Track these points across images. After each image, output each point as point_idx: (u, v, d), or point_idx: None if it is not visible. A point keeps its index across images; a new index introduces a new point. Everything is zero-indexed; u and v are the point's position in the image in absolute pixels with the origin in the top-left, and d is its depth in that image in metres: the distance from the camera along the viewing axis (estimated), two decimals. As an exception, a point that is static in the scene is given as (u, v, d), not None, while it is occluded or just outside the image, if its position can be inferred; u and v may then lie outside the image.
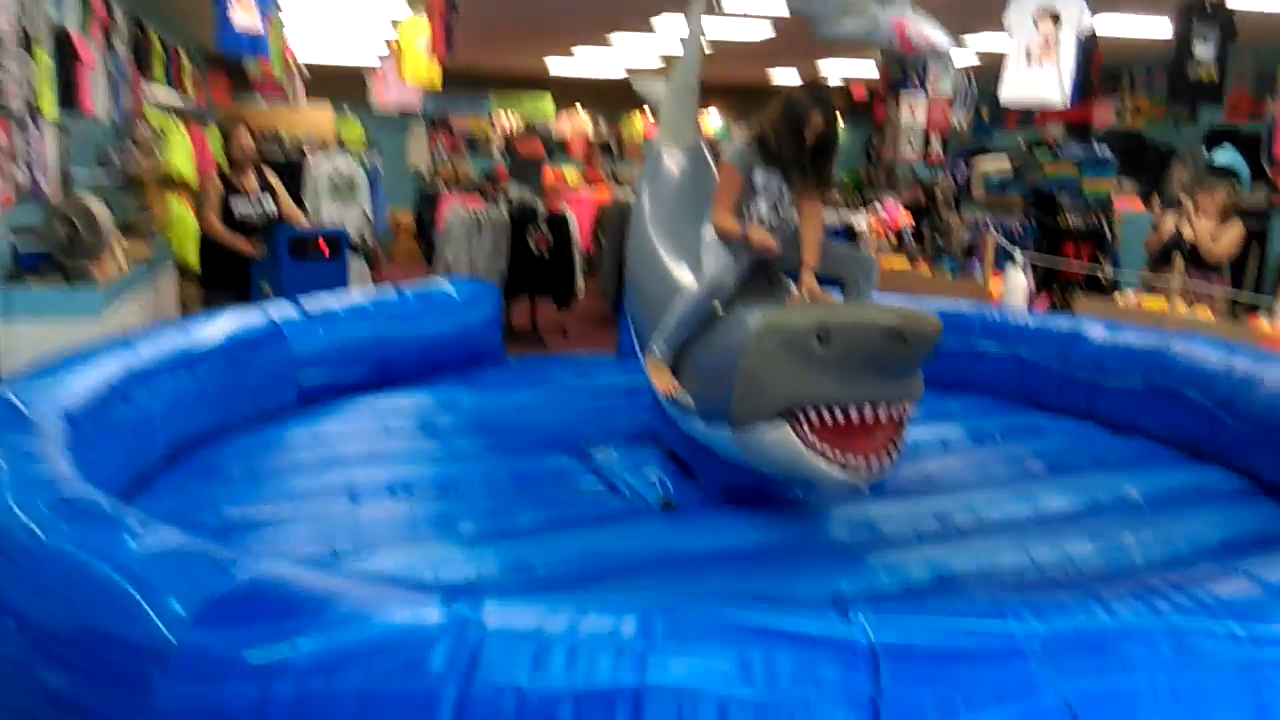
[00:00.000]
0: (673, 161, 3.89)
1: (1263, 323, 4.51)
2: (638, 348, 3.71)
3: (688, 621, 1.49)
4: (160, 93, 8.35)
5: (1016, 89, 6.33)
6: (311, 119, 13.49)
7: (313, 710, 1.41)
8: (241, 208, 5.32)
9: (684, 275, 3.33)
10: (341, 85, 13.09)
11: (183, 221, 7.23)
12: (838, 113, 3.05)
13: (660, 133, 4.06)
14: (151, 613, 1.54)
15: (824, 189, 3.18)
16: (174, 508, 2.77)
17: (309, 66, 10.91)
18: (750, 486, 3.07)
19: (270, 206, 5.45)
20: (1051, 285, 6.54)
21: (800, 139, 3.01)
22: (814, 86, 3.07)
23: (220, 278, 5.48)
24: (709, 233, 3.19)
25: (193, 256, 7.08)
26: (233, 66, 11.99)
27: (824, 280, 3.34)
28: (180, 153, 7.92)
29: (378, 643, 1.46)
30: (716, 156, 3.87)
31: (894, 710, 1.38)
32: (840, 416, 2.50)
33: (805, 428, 2.54)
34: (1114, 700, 1.42)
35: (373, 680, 1.42)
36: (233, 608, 1.54)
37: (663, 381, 3.18)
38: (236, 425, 3.69)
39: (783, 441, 2.60)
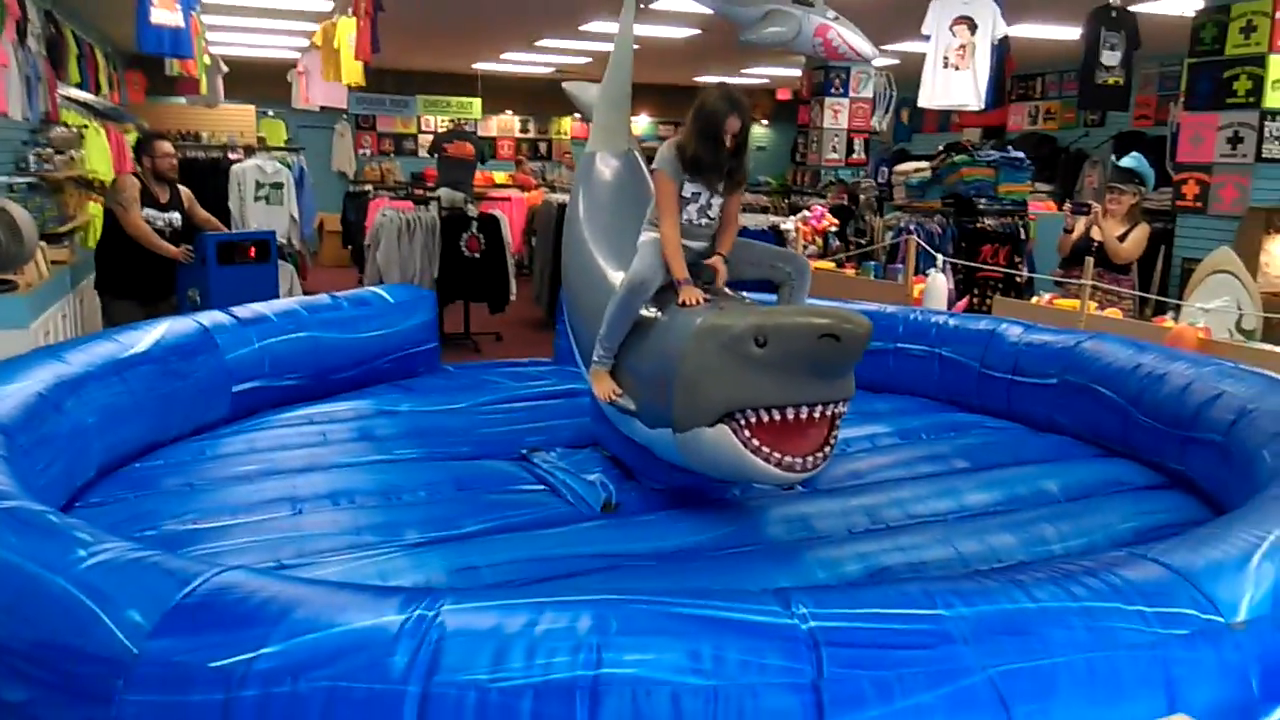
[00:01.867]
0: (606, 167, 3.94)
1: (1169, 321, 4.75)
2: (576, 353, 3.76)
3: (640, 616, 1.56)
4: (75, 92, 8.14)
5: (935, 93, 6.56)
6: (232, 118, 13.27)
7: (278, 714, 1.45)
8: (152, 217, 5.21)
9: (620, 280, 3.39)
10: (262, 84, 12.87)
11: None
12: (748, 111, 3.08)
13: (593, 137, 4.07)
14: (110, 624, 1.56)
15: (741, 185, 3.24)
16: (111, 522, 2.73)
17: (227, 60, 10.69)
18: (690, 487, 3.15)
19: (177, 221, 5.35)
20: (971, 287, 6.78)
21: (719, 143, 3.05)
22: (725, 89, 3.08)
23: (122, 286, 5.28)
24: (643, 235, 3.24)
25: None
26: (149, 64, 11.72)
27: (754, 282, 3.43)
28: (98, 154, 7.74)
29: (341, 645, 1.50)
30: (649, 159, 3.92)
31: (835, 693, 1.47)
32: (778, 417, 2.59)
33: (745, 430, 2.62)
34: (1036, 678, 1.53)
35: (337, 682, 1.46)
36: (193, 616, 1.57)
37: (602, 387, 3.23)
38: (170, 436, 3.65)
39: (723, 443, 2.68)
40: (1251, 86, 6.11)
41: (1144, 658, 1.59)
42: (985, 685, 1.50)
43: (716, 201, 3.21)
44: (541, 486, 3.30)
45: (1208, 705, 1.56)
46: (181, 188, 5.53)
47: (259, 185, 7.60)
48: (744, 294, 3.38)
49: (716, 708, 1.44)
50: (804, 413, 2.61)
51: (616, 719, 1.42)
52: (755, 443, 2.64)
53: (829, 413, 2.65)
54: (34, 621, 1.62)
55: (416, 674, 1.46)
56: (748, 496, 3.20)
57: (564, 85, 4.45)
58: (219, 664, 1.49)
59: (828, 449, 2.70)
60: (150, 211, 5.21)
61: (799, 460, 2.65)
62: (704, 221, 3.21)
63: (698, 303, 3.03)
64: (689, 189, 3.15)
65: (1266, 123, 6.08)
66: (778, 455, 2.64)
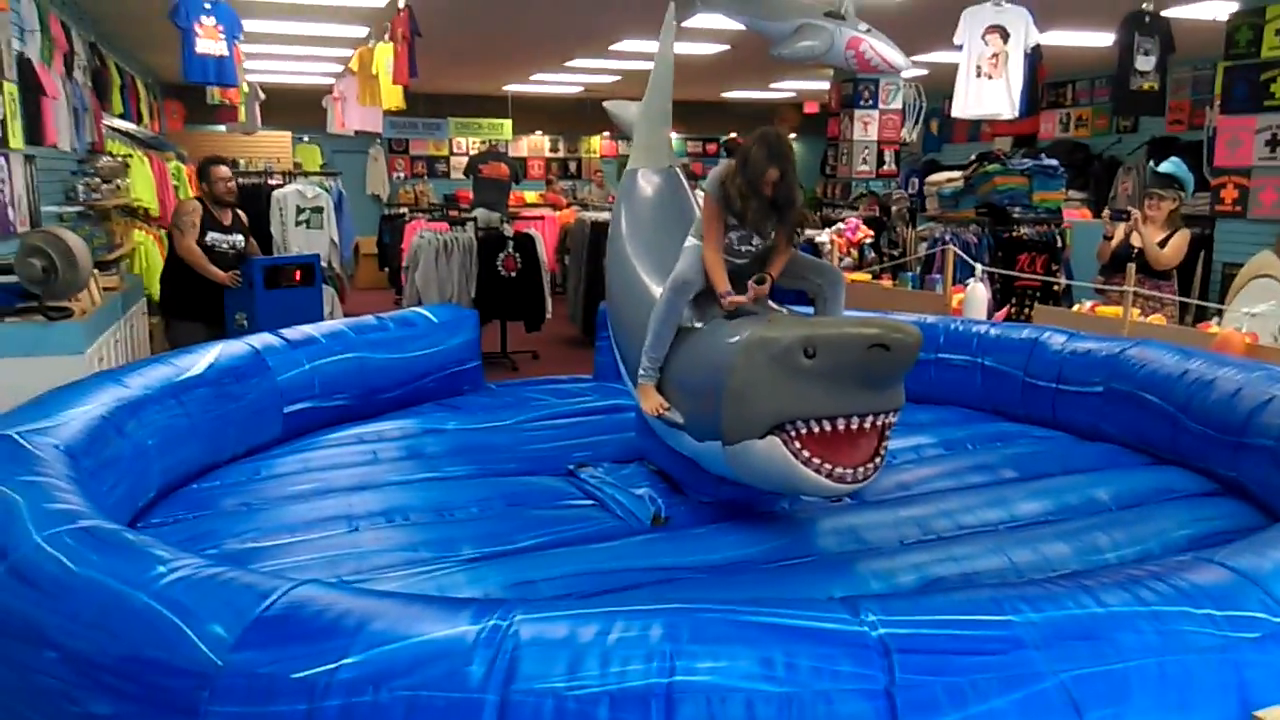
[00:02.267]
0: (648, 184, 3.98)
1: (1214, 327, 4.71)
2: (622, 369, 3.79)
3: (711, 624, 1.59)
4: (118, 122, 8.33)
5: (968, 103, 6.56)
6: (268, 144, 13.51)
7: (361, 723, 1.48)
8: (217, 240, 5.39)
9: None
10: (297, 110, 13.10)
11: (148, 253, 7.22)
12: (789, 159, 3.05)
13: (634, 155, 4.13)
14: (194, 637, 1.60)
15: (793, 227, 3.21)
16: (174, 542, 2.77)
17: (263, 88, 10.91)
18: (738, 500, 3.17)
19: (240, 244, 5.53)
20: (1009, 296, 6.75)
21: (760, 194, 3.04)
22: (767, 138, 3.05)
23: (186, 308, 5.53)
24: (688, 241, 3.26)
25: (156, 287, 7.09)
26: (187, 93, 11.97)
27: (792, 292, 3.44)
28: (142, 183, 7.90)
29: (419, 656, 1.54)
30: (690, 178, 3.95)
31: (908, 699, 1.48)
32: (829, 428, 2.60)
33: (796, 441, 2.64)
34: (1108, 683, 1.53)
35: (418, 691, 1.49)
36: (274, 628, 1.61)
37: (650, 401, 3.26)
38: (225, 458, 3.72)
39: (773, 455, 2.69)
40: (1290, 89, 6.06)
41: (1215, 661, 1.59)
42: (1057, 690, 1.51)
43: (757, 239, 3.21)
44: (590, 501, 3.33)
45: (1281, 708, 1.56)
46: (241, 214, 5.69)
47: (299, 210, 7.72)
48: (786, 307, 3.40)
49: (791, 714, 1.46)
50: (854, 423, 2.61)
51: (692, 726, 1.44)
52: (806, 454, 2.65)
53: (879, 423, 2.66)
54: (119, 636, 1.67)
55: (494, 683, 1.49)
56: (796, 509, 3.21)
57: (605, 104, 4.50)
58: (302, 675, 1.53)
59: (878, 460, 2.71)
60: (215, 235, 5.39)
61: (850, 471, 2.66)
62: (745, 248, 3.23)
63: (746, 307, 3.05)
64: (731, 221, 3.17)
65: (1306, 125, 6.03)
66: (829, 466, 2.65)
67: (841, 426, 2.61)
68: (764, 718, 1.46)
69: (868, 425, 2.63)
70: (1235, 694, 1.56)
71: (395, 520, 3.12)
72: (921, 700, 1.48)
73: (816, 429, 2.63)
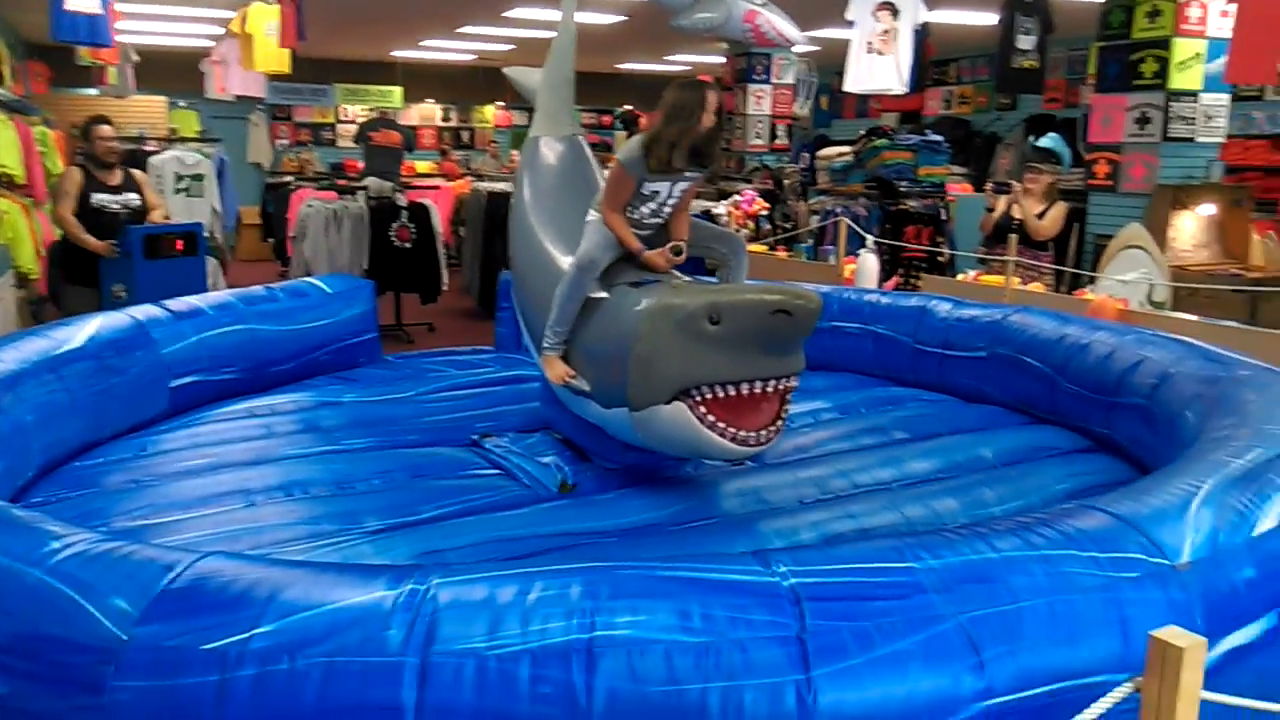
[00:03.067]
0: (551, 151, 3.96)
1: (1089, 294, 4.96)
2: (527, 339, 3.78)
3: (628, 581, 1.61)
4: (-22, 85, 7.82)
5: (859, 78, 6.73)
6: (142, 109, 12.86)
7: (277, 691, 1.46)
8: (105, 202, 5.16)
9: (568, 264, 3.42)
10: (172, 74, 12.51)
11: (15, 223, 6.81)
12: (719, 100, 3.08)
13: (537, 122, 4.09)
14: (96, 612, 1.55)
15: (713, 172, 3.26)
16: (61, 520, 2.68)
17: (137, 50, 10.37)
18: (643, 466, 3.21)
19: (135, 202, 5.30)
20: (896, 267, 6.96)
21: (694, 131, 3.03)
22: (689, 82, 3.13)
23: (76, 273, 5.34)
24: (590, 215, 3.26)
25: (26, 259, 6.72)
26: (53, 54, 11.30)
27: (697, 261, 3.48)
28: (6, 148, 7.43)
29: (335, 622, 1.52)
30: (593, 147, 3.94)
31: (819, 644, 1.54)
32: (733, 392, 2.65)
33: (701, 406, 2.68)
34: (1003, 623, 1.62)
35: (334, 657, 1.47)
36: (181, 600, 1.57)
37: (555, 370, 3.26)
38: (108, 434, 3.57)
39: (679, 420, 2.73)
40: (1158, 69, 6.38)
41: (1099, 599, 1.70)
42: (956, 630, 1.59)
43: (674, 197, 3.20)
44: (495, 471, 3.32)
45: (1157, 641, 1.67)
46: (135, 172, 5.46)
47: (179, 177, 7.41)
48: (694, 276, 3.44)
49: (707, 662, 1.50)
50: (758, 388, 2.67)
51: (613, 679, 1.47)
52: (711, 418, 2.69)
53: (781, 387, 2.73)
54: (12, 614, 1.60)
55: (414, 645, 1.49)
56: (700, 473, 3.27)
57: (505, 70, 4.45)
58: (212, 646, 1.50)
59: (779, 423, 2.78)
60: (102, 197, 5.16)
61: (753, 435, 2.72)
62: (653, 221, 3.24)
63: (665, 266, 3.09)
64: (649, 187, 3.14)
65: (1172, 103, 6.36)
66: (733, 430, 2.70)
67: (745, 391, 2.67)
68: (682, 667, 1.49)
69: (770, 389, 2.69)
70: (1118, 629, 1.67)
71: (294, 494, 3.05)
72: (831, 645, 1.54)
73: (721, 394, 2.67)
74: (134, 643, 1.51)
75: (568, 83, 4.02)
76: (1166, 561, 1.79)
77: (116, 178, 5.34)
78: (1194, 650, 1.24)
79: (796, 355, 2.74)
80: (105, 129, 5.30)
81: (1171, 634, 1.24)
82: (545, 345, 3.29)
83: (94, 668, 1.50)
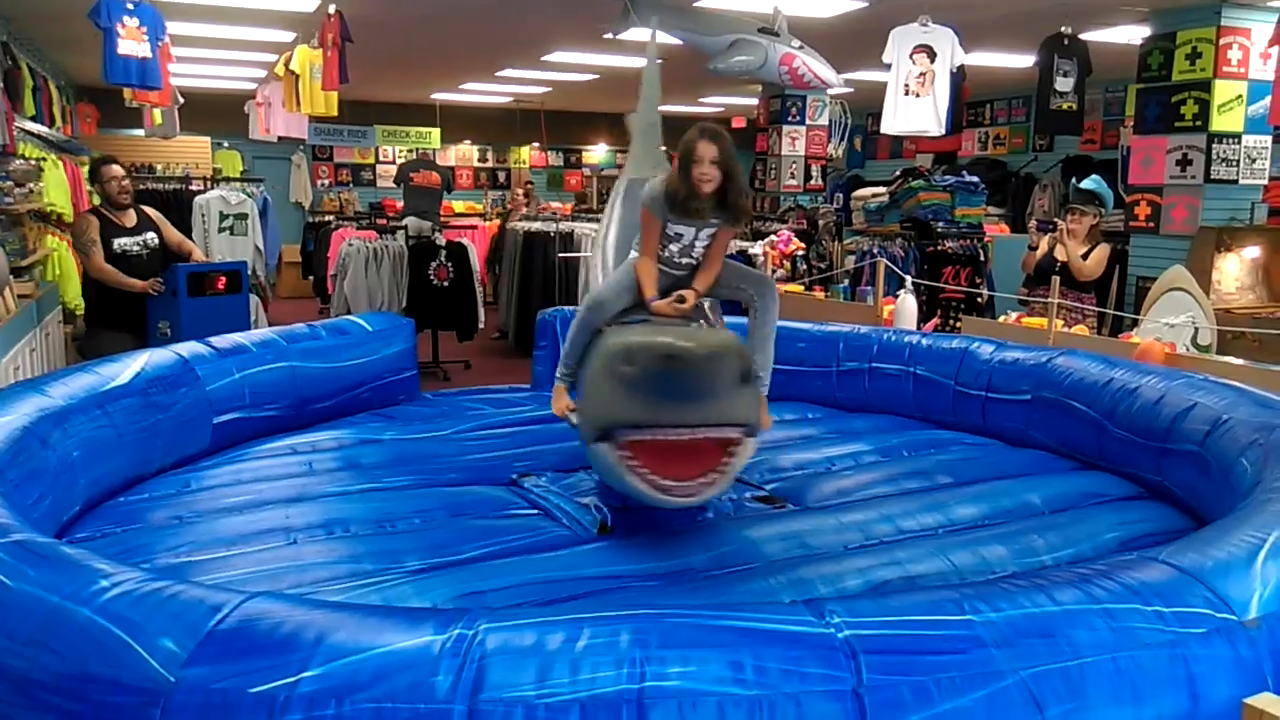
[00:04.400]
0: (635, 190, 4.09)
1: (1135, 337, 4.88)
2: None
3: (678, 629, 1.58)
4: (30, 125, 8.01)
5: (896, 120, 6.72)
6: (187, 150, 13.13)
7: (323, 738, 1.44)
8: (125, 245, 5.17)
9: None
10: (217, 115, 12.77)
11: (62, 259, 6.95)
12: (724, 139, 3.02)
13: (630, 164, 4.42)
14: (144, 653, 1.54)
15: (736, 219, 3.22)
16: (106, 557, 2.69)
17: (182, 92, 10.59)
18: (680, 506, 3.16)
19: (153, 241, 5.31)
20: (935, 308, 6.91)
21: (693, 180, 3.01)
22: (700, 124, 3.07)
23: (111, 318, 5.33)
24: (632, 252, 3.28)
25: (73, 296, 6.82)
26: (101, 96, 11.59)
27: (725, 301, 3.47)
28: (56, 187, 7.60)
29: (383, 667, 1.50)
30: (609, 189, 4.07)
31: (876, 699, 1.49)
32: (649, 438, 2.56)
33: (624, 449, 2.61)
34: (1066, 679, 1.57)
35: (382, 703, 1.45)
36: (229, 642, 1.56)
37: (558, 403, 3.27)
38: (153, 470, 3.60)
39: (609, 460, 2.69)
40: (1198, 110, 6.34)
41: (1165, 656, 1.64)
42: (1019, 687, 1.54)
43: (702, 241, 3.20)
44: (535, 511, 3.31)
45: (1227, 700, 1.61)
46: (147, 209, 5.48)
47: (223, 216, 7.53)
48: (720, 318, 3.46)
49: (762, 716, 1.46)
50: (672, 435, 2.56)
51: (665, 731, 1.43)
52: (632, 462, 2.62)
53: (711, 437, 2.59)
54: (61, 653, 1.59)
55: (462, 693, 1.46)
56: (742, 515, 3.23)
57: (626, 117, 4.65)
58: (260, 689, 1.48)
59: (718, 479, 2.67)
60: (122, 241, 5.15)
61: (678, 485, 2.62)
62: (684, 260, 3.24)
63: (671, 314, 3.09)
64: (672, 229, 3.17)
65: (1213, 145, 6.31)
66: (654, 478, 2.61)
67: (667, 437, 2.57)
68: (736, 721, 1.46)
69: (699, 439, 2.58)
70: (1185, 687, 1.62)
71: (335, 532, 3.05)
72: (889, 701, 1.50)
73: (641, 438, 2.59)
74: (181, 684, 1.50)
75: (654, 127, 4.32)
76: (1234, 617, 1.73)
77: (132, 218, 5.27)
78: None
79: (718, 404, 2.57)
80: (115, 168, 5.23)
81: (1268, 701, 1.18)
82: (556, 377, 3.31)
83: (141, 709, 1.49)
